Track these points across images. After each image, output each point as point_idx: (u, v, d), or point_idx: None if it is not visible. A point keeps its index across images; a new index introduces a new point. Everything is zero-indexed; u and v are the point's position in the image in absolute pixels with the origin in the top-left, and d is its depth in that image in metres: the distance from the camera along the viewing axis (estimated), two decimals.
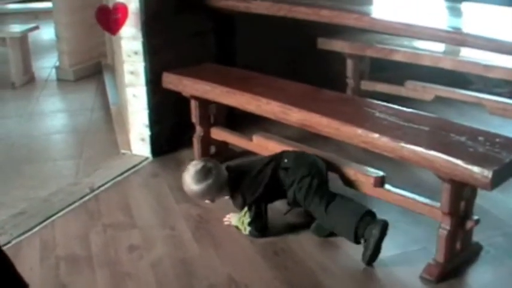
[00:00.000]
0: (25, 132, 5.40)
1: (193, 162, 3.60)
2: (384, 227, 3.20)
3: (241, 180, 3.56)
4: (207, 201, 3.66)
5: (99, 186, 4.16)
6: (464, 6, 4.59)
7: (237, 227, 3.56)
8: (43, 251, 3.44)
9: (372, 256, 3.21)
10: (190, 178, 3.50)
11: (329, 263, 3.26)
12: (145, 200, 4.01)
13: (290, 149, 3.74)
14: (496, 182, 2.75)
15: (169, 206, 3.88)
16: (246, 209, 3.53)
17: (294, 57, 4.90)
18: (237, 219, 3.56)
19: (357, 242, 3.28)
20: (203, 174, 3.48)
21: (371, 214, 3.29)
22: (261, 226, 3.51)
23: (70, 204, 3.94)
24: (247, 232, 3.51)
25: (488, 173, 2.71)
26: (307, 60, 4.91)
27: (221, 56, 4.76)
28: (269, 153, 3.76)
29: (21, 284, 1.63)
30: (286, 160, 3.52)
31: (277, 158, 3.57)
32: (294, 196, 3.47)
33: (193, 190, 3.52)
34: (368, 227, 3.22)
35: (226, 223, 3.63)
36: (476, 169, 2.74)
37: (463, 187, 2.98)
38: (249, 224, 3.50)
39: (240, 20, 4.74)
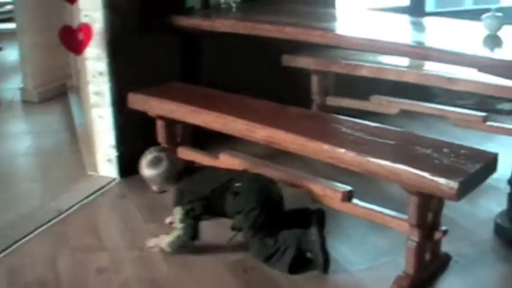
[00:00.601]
0: None
1: (150, 149, 3.69)
2: (319, 228, 3.26)
3: (189, 186, 3.57)
4: (154, 188, 3.68)
5: (67, 209, 4.11)
6: (427, 20, 4.63)
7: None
8: (10, 277, 3.40)
9: (324, 262, 3.24)
10: (143, 163, 3.63)
11: (299, 280, 3.27)
12: (113, 222, 3.99)
13: (257, 166, 3.76)
14: (462, 192, 2.79)
15: (137, 227, 3.86)
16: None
17: (259, 75, 4.90)
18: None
19: (294, 267, 3.30)
20: (154, 162, 3.59)
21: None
22: (190, 235, 3.49)
23: (37, 228, 3.89)
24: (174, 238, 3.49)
25: (454, 184, 2.75)
26: (273, 77, 4.91)
27: (186, 74, 4.74)
28: None
29: None
30: (238, 184, 3.48)
31: (231, 179, 3.52)
32: (239, 224, 3.47)
33: (144, 174, 3.65)
34: (307, 239, 3.27)
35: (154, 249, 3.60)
36: (442, 181, 2.78)
37: (430, 199, 3.01)
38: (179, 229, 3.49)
39: (205, 38, 4.74)
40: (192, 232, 3.49)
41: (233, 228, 3.53)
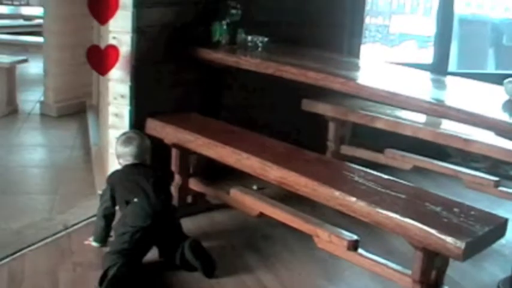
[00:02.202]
0: (2, 163, 5.38)
1: (131, 131, 4.16)
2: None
3: (123, 171, 3.91)
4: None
5: (73, 225, 4.15)
6: (448, 79, 4.67)
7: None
8: (10, 283, 3.43)
9: None
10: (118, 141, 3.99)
11: None
12: None
13: (266, 205, 3.80)
14: (468, 253, 2.81)
15: None
16: None
17: (278, 115, 4.94)
18: None
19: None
20: (125, 141, 3.93)
21: None
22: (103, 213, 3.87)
23: (42, 240, 3.92)
24: None
25: (461, 244, 2.77)
26: (291, 119, 4.94)
27: (206, 107, 4.79)
28: (245, 209, 3.84)
29: None
30: (135, 199, 3.65)
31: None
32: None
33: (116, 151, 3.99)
34: None
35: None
36: (449, 239, 2.80)
37: (435, 256, 3.02)
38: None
39: (228, 74, 4.78)
40: (105, 212, 3.85)
41: None
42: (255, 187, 4.57)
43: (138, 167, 3.89)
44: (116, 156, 3.97)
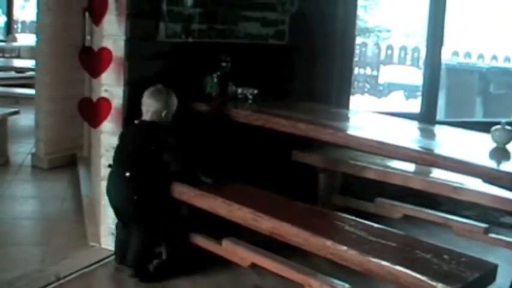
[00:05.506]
0: None
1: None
2: None
3: None
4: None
5: (65, 276, 4.14)
6: (436, 128, 4.73)
7: None
8: None
9: None
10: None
11: None
12: None
13: (258, 256, 3.81)
14: None
15: None
16: None
17: (268, 167, 4.96)
18: None
19: None
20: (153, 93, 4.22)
21: None
22: None
23: None
24: None
25: None
26: (282, 170, 4.96)
27: (198, 158, 4.81)
28: (237, 260, 3.83)
29: None
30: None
31: None
32: None
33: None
34: None
35: None
36: (440, 286, 2.84)
37: None
38: None
39: (219, 125, 4.82)
40: None
41: None
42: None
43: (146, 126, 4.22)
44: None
